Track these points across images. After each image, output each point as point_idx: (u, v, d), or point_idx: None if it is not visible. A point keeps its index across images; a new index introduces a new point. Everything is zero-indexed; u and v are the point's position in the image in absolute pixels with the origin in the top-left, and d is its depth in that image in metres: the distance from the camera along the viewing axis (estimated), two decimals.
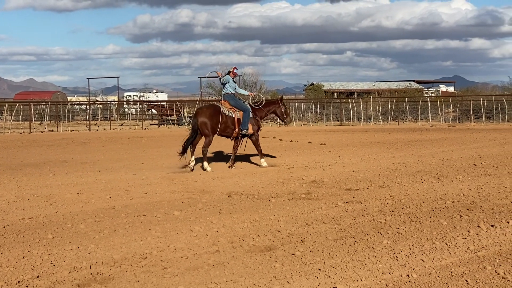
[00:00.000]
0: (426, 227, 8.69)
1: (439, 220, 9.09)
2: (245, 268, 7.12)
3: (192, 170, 15.90)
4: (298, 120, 43.92)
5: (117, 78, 54.61)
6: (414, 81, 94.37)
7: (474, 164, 15.55)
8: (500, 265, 6.96)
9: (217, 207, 10.72)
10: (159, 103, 48.59)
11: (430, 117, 40.92)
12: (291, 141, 25.83)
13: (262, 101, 17.16)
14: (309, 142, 24.55)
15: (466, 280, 6.51)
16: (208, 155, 16.65)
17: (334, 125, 41.19)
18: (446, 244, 7.73)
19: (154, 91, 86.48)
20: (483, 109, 39.50)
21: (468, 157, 17.51)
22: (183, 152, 16.31)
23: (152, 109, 47.68)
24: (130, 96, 74.39)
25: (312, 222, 9.27)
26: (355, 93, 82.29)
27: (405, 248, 7.58)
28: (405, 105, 42.64)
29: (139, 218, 9.95)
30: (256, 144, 16.81)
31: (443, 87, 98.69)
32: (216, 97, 50.35)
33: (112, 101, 60.59)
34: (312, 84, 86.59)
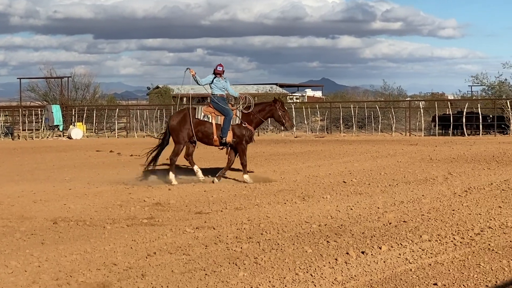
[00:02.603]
0: (289, 256, 8.87)
1: (304, 247, 9.31)
2: None
3: (202, 178, 16.88)
4: (140, 130, 43.72)
5: None
6: (276, 84, 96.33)
7: (344, 181, 16.09)
8: None
9: (39, 237, 10.45)
10: None
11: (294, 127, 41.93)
12: (132, 155, 25.64)
13: (252, 104, 17.17)
14: None
15: None
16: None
17: None
18: (311, 275, 7.93)
19: None
20: (354, 118, 40.89)
21: (337, 173, 18.10)
22: (152, 161, 17.52)
23: None
24: None
25: (155, 253, 9.23)
26: (209, 98, 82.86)
27: (264, 281, 7.71)
28: None
29: None
30: (241, 154, 16.96)
31: (309, 92, 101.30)
32: (40, 102, 49.12)
33: None
34: (158, 87, 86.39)
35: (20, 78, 47.59)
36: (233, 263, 8.57)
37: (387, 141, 33.72)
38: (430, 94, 71.30)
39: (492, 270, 8.04)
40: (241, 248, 9.39)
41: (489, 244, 9.35)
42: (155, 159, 17.59)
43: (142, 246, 9.73)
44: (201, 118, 16.68)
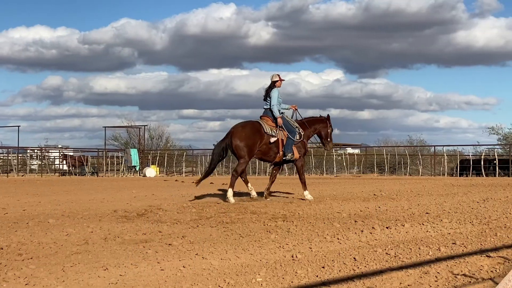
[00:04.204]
0: None
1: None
2: None
3: (254, 195, 13.74)
4: None
5: None
6: None
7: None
8: None
9: None
10: None
11: None
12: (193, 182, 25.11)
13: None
14: None
15: None
16: None
17: None
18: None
19: None
20: None
21: None
22: (203, 178, 14.14)
23: None
24: None
25: None
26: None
27: None
28: None
29: None
30: (300, 171, 14.08)
31: None
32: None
33: None
34: None
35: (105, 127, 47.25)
36: None
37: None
38: None
39: None
40: None
41: None
42: (209, 174, 14.48)
43: None
44: (269, 132, 13.50)
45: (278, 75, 13.99)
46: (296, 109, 14.30)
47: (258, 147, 13.47)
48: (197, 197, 14.61)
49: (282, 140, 13.64)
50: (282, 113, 13.89)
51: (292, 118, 14.10)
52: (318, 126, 14.31)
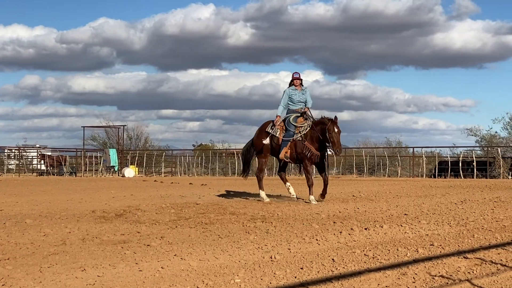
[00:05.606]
0: None
1: None
2: None
3: (295, 198, 13.67)
4: (184, 174, 43.07)
5: None
6: None
7: None
8: None
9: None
10: None
11: None
12: (172, 182, 25.06)
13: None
14: None
15: None
16: None
17: None
18: None
19: None
20: None
21: None
22: (244, 171, 14.95)
23: None
24: None
25: None
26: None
27: None
28: None
29: None
30: (305, 173, 13.52)
31: None
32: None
33: None
34: (201, 144, 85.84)
35: (84, 127, 47.07)
36: None
37: None
38: None
39: None
40: None
41: None
42: (245, 171, 14.91)
43: None
44: (270, 131, 13.61)
45: (293, 74, 13.85)
46: (305, 110, 13.58)
47: (268, 144, 13.71)
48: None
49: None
50: (304, 112, 13.49)
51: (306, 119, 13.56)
52: (318, 127, 13.20)
